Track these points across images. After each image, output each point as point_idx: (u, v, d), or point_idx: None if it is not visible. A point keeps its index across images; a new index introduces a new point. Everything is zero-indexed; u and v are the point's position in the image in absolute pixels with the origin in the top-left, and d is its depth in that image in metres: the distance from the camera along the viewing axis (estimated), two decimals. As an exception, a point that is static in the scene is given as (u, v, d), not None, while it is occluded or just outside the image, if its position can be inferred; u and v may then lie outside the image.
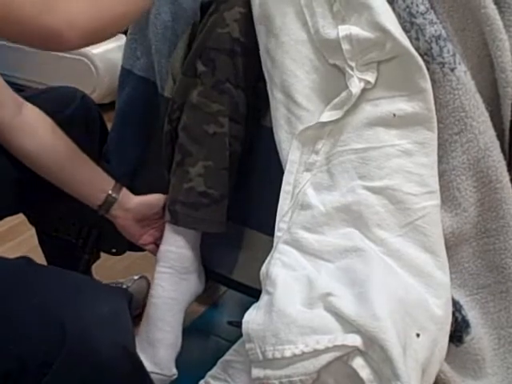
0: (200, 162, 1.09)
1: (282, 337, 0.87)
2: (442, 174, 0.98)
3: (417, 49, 0.97)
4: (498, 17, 0.98)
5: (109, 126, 1.32)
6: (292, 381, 0.85)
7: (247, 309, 0.96)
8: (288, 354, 0.85)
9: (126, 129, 1.28)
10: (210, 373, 1.04)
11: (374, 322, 0.83)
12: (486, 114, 0.98)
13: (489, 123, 0.99)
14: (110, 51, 2.53)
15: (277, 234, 1.01)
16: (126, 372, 0.90)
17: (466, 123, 0.97)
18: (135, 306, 1.43)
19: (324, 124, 1.01)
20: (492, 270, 0.99)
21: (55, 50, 0.99)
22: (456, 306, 0.96)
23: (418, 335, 0.88)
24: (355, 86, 0.98)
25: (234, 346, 1.03)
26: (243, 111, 1.10)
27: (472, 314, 0.98)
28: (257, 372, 0.89)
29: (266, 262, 0.99)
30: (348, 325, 0.85)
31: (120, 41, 1.84)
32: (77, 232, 1.34)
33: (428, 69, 0.96)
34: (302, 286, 0.92)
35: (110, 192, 1.16)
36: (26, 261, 0.95)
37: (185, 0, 1.17)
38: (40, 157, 1.11)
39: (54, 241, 1.37)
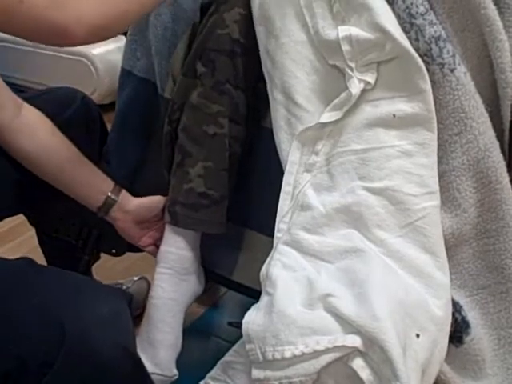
0: (200, 162, 1.09)
1: (282, 338, 0.87)
2: (441, 175, 0.98)
3: (416, 50, 0.97)
4: (497, 18, 0.98)
5: (109, 126, 1.32)
6: (292, 382, 0.85)
7: (247, 310, 0.96)
8: (288, 354, 0.85)
9: (126, 129, 1.28)
10: (209, 374, 1.04)
11: (373, 323, 0.83)
12: (486, 115, 0.98)
13: (488, 124, 0.99)
14: (110, 52, 2.53)
15: (277, 234, 1.01)
16: (126, 372, 0.90)
17: (466, 124, 0.97)
18: (135, 306, 1.43)
19: (324, 125, 1.01)
20: (492, 270, 0.99)
21: (62, 45, 0.99)
22: (456, 307, 0.96)
23: (417, 336, 0.88)
24: (355, 87, 0.98)
25: (234, 347, 1.03)
26: (243, 112, 1.10)
27: (472, 315, 0.98)
28: (257, 373, 0.89)
29: (266, 262, 0.99)
30: (348, 325, 0.85)
31: (120, 42, 1.85)
32: (77, 233, 1.34)
33: (428, 70, 0.97)
34: (302, 287, 0.92)
35: (109, 194, 1.16)
36: (26, 261, 0.95)
37: (185, 1, 1.17)
38: (39, 158, 1.11)
39: (54, 241, 1.37)
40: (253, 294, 1.07)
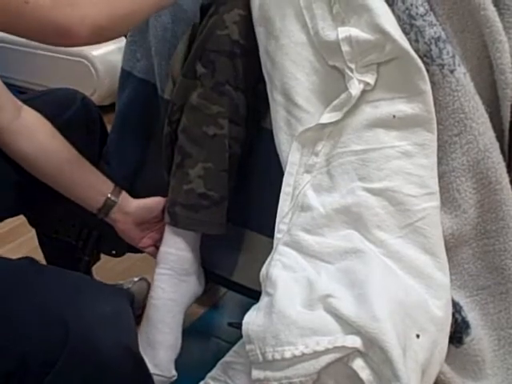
0: (200, 163, 1.09)
1: (282, 338, 0.87)
2: (441, 176, 0.98)
3: (416, 51, 0.97)
4: (497, 19, 0.98)
5: (109, 127, 1.32)
6: (292, 382, 0.85)
7: (247, 310, 0.96)
8: (288, 355, 0.85)
9: (126, 130, 1.28)
10: (209, 374, 1.04)
11: (373, 324, 0.83)
12: (486, 116, 0.99)
13: (488, 125, 0.99)
14: (110, 53, 2.54)
15: (277, 235, 1.01)
16: (128, 371, 0.91)
17: (466, 125, 0.97)
18: (136, 306, 1.43)
19: (324, 126, 1.01)
20: (492, 271, 0.99)
21: (66, 46, 0.99)
22: (456, 307, 0.96)
23: (417, 336, 0.88)
24: (355, 88, 0.98)
25: (234, 348, 1.03)
26: (243, 113, 1.10)
27: (472, 315, 0.98)
28: (257, 373, 0.89)
29: (266, 263, 0.99)
30: (348, 326, 0.85)
31: (120, 43, 1.85)
32: (77, 234, 1.35)
33: (427, 70, 0.97)
34: (302, 288, 0.92)
35: (109, 195, 1.16)
36: (28, 261, 0.95)
37: (185, 2, 1.17)
38: (38, 160, 1.11)
39: (54, 242, 1.38)
40: (253, 295, 1.07)
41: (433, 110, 0.97)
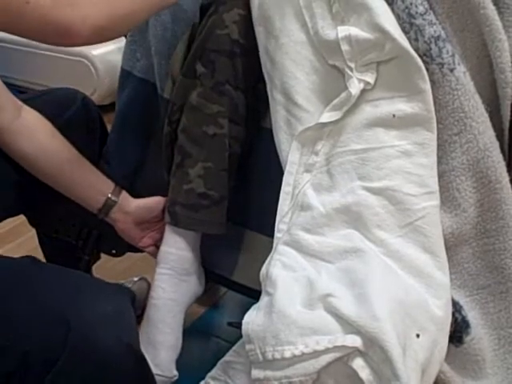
0: (200, 163, 1.09)
1: (282, 338, 0.87)
2: (441, 175, 0.98)
3: (416, 50, 0.97)
4: (497, 17, 0.98)
5: (109, 127, 1.32)
6: (292, 382, 0.85)
7: (247, 310, 0.96)
8: (288, 354, 0.85)
9: (126, 130, 1.28)
10: (210, 374, 1.04)
11: (373, 323, 0.83)
12: (486, 115, 0.98)
13: (488, 124, 0.99)
14: (110, 53, 2.53)
15: (277, 235, 1.01)
16: (130, 370, 0.91)
17: (466, 124, 0.97)
18: (136, 306, 1.43)
19: (323, 125, 1.01)
20: (492, 270, 0.99)
21: (67, 46, 0.99)
22: (456, 307, 0.96)
23: (417, 336, 0.88)
24: (354, 87, 0.98)
25: (234, 347, 1.03)
26: (243, 112, 1.10)
27: (472, 315, 0.98)
28: (257, 373, 0.89)
29: (266, 262, 0.99)
30: (348, 326, 0.85)
31: (120, 42, 1.84)
32: (77, 233, 1.35)
33: (427, 69, 0.97)
34: (302, 287, 0.92)
35: (109, 195, 1.16)
36: (30, 260, 0.95)
37: (185, 1, 1.17)
38: (38, 160, 1.11)
39: (54, 242, 1.38)
40: (253, 295, 1.07)
41: (432, 109, 0.97)
